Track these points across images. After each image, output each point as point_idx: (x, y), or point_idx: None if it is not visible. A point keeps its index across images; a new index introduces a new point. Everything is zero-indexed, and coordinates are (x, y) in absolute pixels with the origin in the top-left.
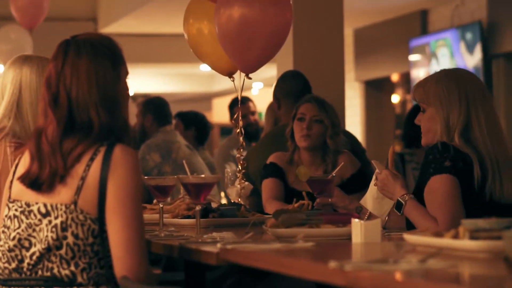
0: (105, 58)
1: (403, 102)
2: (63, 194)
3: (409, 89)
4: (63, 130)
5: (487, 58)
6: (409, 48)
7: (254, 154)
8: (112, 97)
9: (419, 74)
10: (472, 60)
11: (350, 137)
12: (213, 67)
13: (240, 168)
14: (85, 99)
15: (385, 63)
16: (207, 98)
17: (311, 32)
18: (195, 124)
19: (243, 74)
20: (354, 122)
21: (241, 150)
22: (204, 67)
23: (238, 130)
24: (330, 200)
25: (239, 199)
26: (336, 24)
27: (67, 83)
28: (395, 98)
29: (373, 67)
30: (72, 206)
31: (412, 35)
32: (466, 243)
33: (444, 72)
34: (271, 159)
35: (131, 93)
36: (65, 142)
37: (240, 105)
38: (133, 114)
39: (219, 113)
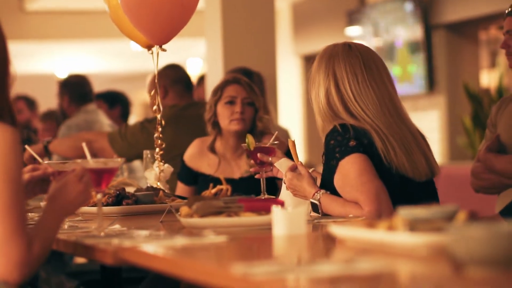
0: None
1: None
2: None
3: None
4: None
5: (428, 29)
6: (347, 21)
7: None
8: None
9: None
10: (412, 32)
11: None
12: (133, 40)
13: (158, 149)
14: None
15: (323, 36)
16: (140, 77)
17: (240, 2)
18: (120, 102)
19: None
20: (295, 96)
21: (159, 129)
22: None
23: (155, 107)
24: (270, 159)
25: (158, 183)
26: None
27: None
28: None
29: (312, 41)
30: None
31: (350, 6)
32: (404, 237)
33: (321, 51)
34: (186, 153)
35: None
36: None
37: (155, 81)
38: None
39: None
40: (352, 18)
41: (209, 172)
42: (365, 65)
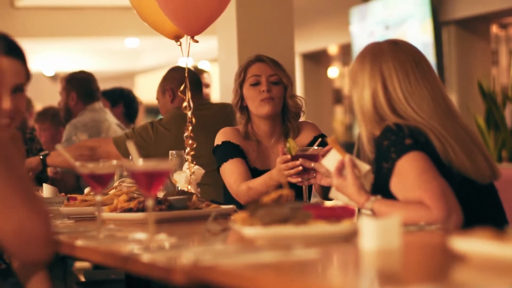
0: None
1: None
2: None
3: (348, 62)
4: None
5: (437, 25)
6: (351, 17)
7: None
8: None
9: (362, 45)
10: (421, 29)
11: None
12: (158, 30)
13: (188, 149)
14: None
15: (325, 34)
16: (129, 76)
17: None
18: (123, 100)
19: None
20: None
21: (190, 127)
22: (130, 42)
23: (185, 104)
24: (312, 164)
25: (189, 187)
26: None
27: None
28: (333, 72)
29: (312, 39)
30: None
31: (353, 3)
32: None
33: (363, 49)
34: (222, 137)
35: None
36: None
37: (188, 74)
38: (55, 92)
39: (143, 91)
40: (357, 14)
41: (251, 158)
42: (416, 63)
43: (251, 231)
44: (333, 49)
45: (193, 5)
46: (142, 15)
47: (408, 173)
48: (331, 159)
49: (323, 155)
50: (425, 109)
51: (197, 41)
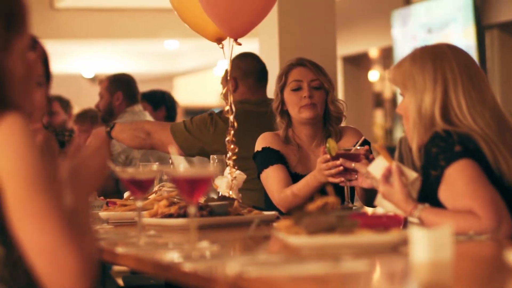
0: None
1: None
2: None
3: (389, 65)
4: None
5: (480, 29)
6: (393, 20)
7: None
8: None
9: (403, 49)
10: (463, 33)
11: None
12: (199, 32)
13: (230, 153)
14: None
15: (364, 37)
16: (168, 78)
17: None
18: (165, 104)
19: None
20: None
21: (231, 132)
22: (169, 44)
23: (227, 108)
24: (353, 165)
25: (230, 192)
26: None
27: None
28: (374, 75)
29: (354, 42)
30: None
31: (396, 5)
32: None
33: (420, 50)
34: (262, 143)
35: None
36: None
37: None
38: (94, 94)
39: (182, 94)
40: (398, 17)
41: (292, 163)
42: (476, 68)
43: (297, 240)
44: (373, 53)
45: (238, 7)
46: (183, 17)
47: (457, 181)
48: (378, 166)
49: (364, 156)
50: (485, 117)
51: (240, 44)
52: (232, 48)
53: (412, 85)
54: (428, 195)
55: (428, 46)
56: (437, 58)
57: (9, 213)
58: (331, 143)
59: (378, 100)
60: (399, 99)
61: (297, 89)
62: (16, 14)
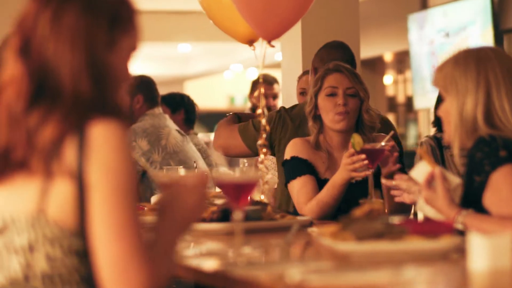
0: (100, 15)
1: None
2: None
3: (404, 70)
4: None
5: (498, 33)
6: (409, 24)
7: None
8: (99, 67)
9: (419, 53)
10: (481, 37)
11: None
12: (230, 34)
13: (262, 157)
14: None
15: (380, 40)
16: (179, 81)
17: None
18: (184, 106)
19: (264, 42)
20: None
21: (263, 135)
22: (183, 47)
23: (259, 111)
24: (393, 182)
25: (262, 197)
26: None
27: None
28: (388, 79)
29: (371, 45)
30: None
31: (412, 9)
32: None
33: (463, 53)
34: (290, 152)
35: None
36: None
37: (262, 81)
38: None
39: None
40: (415, 21)
41: (320, 170)
42: None
43: (346, 246)
44: (388, 57)
45: (274, 9)
46: (213, 19)
47: (503, 186)
48: (420, 171)
49: (390, 151)
50: None
51: (273, 46)
52: (265, 50)
53: (454, 88)
54: (471, 201)
55: (471, 49)
56: (480, 61)
57: (89, 216)
58: (356, 138)
59: (391, 104)
60: (416, 103)
61: (332, 94)
62: (122, 14)
